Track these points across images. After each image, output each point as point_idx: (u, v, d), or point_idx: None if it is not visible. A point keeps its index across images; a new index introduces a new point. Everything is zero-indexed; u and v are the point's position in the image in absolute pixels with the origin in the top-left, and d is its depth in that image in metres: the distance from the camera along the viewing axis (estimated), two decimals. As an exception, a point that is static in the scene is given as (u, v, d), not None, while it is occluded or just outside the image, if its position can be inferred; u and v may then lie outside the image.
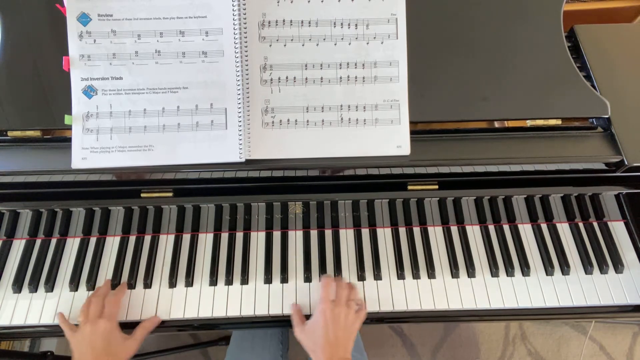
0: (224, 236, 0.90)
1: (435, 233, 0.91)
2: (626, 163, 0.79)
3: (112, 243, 0.89)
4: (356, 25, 0.77)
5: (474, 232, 0.91)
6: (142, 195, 0.86)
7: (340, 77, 0.77)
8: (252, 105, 0.77)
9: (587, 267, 0.87)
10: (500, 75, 0.82)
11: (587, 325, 1.63)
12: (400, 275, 0.86)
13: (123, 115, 0.75)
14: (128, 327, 0.80)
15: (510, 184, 0.88)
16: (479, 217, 0.92)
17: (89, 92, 0.75)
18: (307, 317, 0.81)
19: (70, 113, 0.75)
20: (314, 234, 0.90)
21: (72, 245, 0.89)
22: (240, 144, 0.75)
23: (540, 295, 0.84)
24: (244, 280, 0.85)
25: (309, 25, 0.76)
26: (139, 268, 0.87)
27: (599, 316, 0.89)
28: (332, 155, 0.78)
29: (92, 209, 0.90)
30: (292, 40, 0.76)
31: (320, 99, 0.77)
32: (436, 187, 0.88)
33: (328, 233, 0.90)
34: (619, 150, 0.80)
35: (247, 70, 0.76)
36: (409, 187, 0.88)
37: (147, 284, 0.85)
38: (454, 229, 0.91)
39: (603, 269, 0.87)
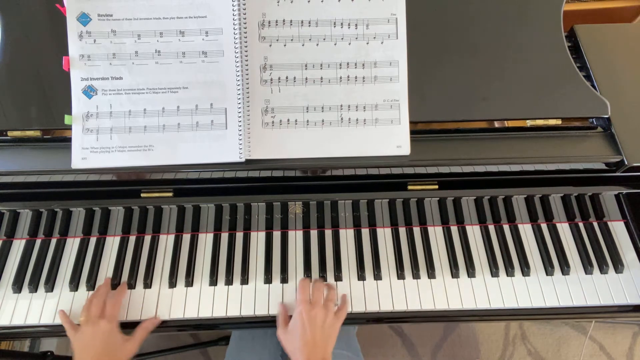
0: (224, 236, 0.90)
1: (435, 233, 0.91)
2: (626, 163, 0.79)
3: (112, 243, 0.89)
4: (356, 25, 0.77)
5: (474, 232, 0.91)
6: (142, 195, 0.86)
7: (340, 77, 0.77)
8: (252, 105, 0.77)
9: (587, 267, 0.87)
10: (500, 75, 0.82)
11: (587, 325, 1.63)
12: (400, 275, 0.86)
13: (123, 115, 0.75)
14: (128, 327, 0.80)
15: (510, 184, 0.88)
16: (479, 217, 0.92)
17: (89, 92, 0.75)
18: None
19: (70, 113, 0.75)
20: (314, 234, 0.90)
21: (72, 245, 0.89)
22: (240, 144, 0.75)
23: (540, 295, 0.84)
24: (244, 280, 0.85)
25: (309, 25, 0.76)
26: (139, 268, 0.87)
27: (599, 316, 0.89)
28: (332, 155, 0.78)
29: (92, 209, 0.90)
30: (292, 40, 0.76)
31: (320, 99, 0.77)
32: (436, 187, 0.88)
33: (328, 233, 0.90)
34: (619, 150, 0.80)
35: (247, 70, 0.76)
36: (409, 187, 0.88)
37: (147, 284, 0.85)
38: (454, 229, 0.91)
39: (603, 269, 0.87)
